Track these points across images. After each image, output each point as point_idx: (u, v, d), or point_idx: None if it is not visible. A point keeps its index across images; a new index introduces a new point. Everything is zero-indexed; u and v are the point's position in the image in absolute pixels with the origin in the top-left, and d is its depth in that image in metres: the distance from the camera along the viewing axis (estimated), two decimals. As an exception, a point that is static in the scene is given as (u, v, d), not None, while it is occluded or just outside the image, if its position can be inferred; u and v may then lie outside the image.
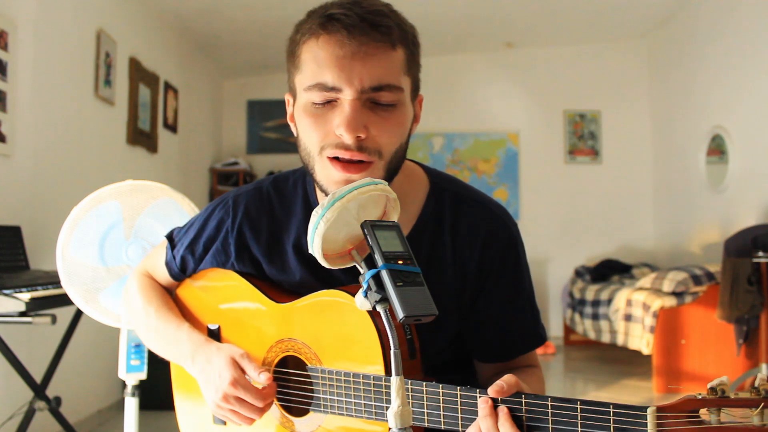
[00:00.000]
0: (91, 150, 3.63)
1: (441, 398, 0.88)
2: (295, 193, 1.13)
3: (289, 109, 1.05)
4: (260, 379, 1.02)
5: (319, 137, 0.96)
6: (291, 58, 1.00)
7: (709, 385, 0.74)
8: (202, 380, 1.07)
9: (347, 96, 0.93)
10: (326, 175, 0.97)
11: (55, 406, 2.56)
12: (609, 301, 4.91)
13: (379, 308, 0.79)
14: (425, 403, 0.89)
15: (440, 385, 0.88)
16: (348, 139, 0.93)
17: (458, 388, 0.88)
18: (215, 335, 1.16)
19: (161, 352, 1.20)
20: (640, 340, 4.37)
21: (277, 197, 1.13)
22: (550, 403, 0.81)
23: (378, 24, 0.93)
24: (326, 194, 0.98)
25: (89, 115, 3.63)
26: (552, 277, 6.13)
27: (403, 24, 0.98)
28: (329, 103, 0.95)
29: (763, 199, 4.36)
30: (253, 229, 1.12)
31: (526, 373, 1.07)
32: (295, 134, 1.04)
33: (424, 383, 0.89)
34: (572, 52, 6.24)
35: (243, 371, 1.03)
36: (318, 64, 0.94)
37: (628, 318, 4.56)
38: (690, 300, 4.26)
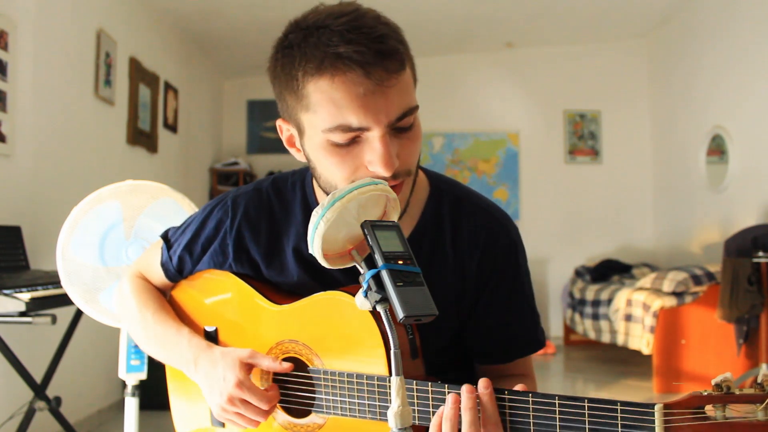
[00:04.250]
0: (91, 150, 3.63)
1: (447, 397, 0.88)
2: (294, 194, 1.12)
3: (285, 135, 1.02)
4: (283, 366, 1.01)
5: (347, 173, 0.93)
6: (291, 92, 0.93)
7: (713, 382, 0.75)
8: (206, 385, 1.06)
9: (376, 133, 0.90)
10: None
11: (55, 406, 2.56)
12: (609, 301, 4.91)
13: (379, 308, 0.79)
14: (430, 402, 0.89)
15: (445, 385, 0.88)
16: (385, 173, 0.91)
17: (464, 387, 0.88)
18: (212, 337, 1.15)
19: (158, 356, 1.18)
20: (640, 340, 4.37)
21: (277, 199, 1.13)
22: (557, 401, 0.82)
23: (388, 52, 0.89)
24: None
25: (89, 115, 3.63)
26: (552, 277, 6.13)
27: (398, 33, 0.93)
28: (353, 140, 0.92)
29: (763, 199, 4.36)
30: (252, 230, 1.11)
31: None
32: (304, 160, 1.02)
33: (429, 382, 0.89)
34: (572, 52, 6.24)
35: (249, 372, 1.03)
36: (336, 105, 0.89)
37: (628, 318, 4.57)
38: (690, 300, 4.26)
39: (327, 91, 0.89)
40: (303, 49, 0.90)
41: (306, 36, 0.90)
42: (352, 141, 0.91)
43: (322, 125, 0.91)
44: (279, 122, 1.02)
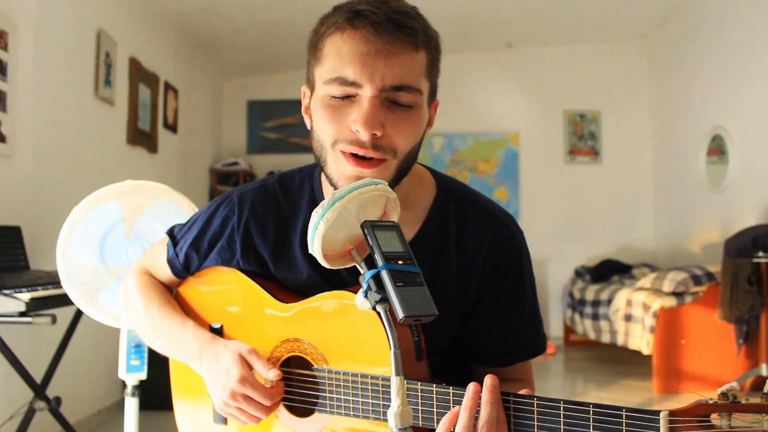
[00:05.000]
0: (91, 150, 3.63)
1: (451, 399, 0.88)
2: (302, 190, 1.12)
3: (304, 102, 1.05)
4: (269, 375, 1.01)
5: (333, 130, 0.96)
6: (313, 51, 1.00)
7: (719, 390, 0.74)
8: (209, 378, 1.06)
9: (367, 93, 0.93)
10: (338, 168, 0.97)
11: (55, 406, 2.56)
12: (609, 301, 4.91)
13: (379, 308, 0.79)
14: (435, 404, 0.89)
15: (450, 387, 0.88)
16: (364, 136, 0.93)
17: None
18: (218, 334, 1.15)
19: (164, 350, 1.19)
20: (640, 340, 4.37)
21: (283, 195, 1.13)
22: (562, 406, 0.81)
23: (404, 24, 0.94)
24: (336, 189, 0.98)
25: (89, 115, 3.63)
26: (552, 277, 6.13)
27: (428, 28, 0.99)
28: (348, 98, 0.95)
29: (763, 199, 4.36)
30: (260, 227, 1.11)
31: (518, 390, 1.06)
32: (309, 127, 1.04)
33: (434, 385, 0.89)
34: (572, 52, 6.24)
35: (251, 367, 1.03)
36: (341, 58, 0.94)
37: (628, 318, 4.57)
38: (690, 300, 4.26)
39: (337, 44, 0.95)
40: (333, 14, 0.98)
41: (339, 6, 0.98)
42: (346, 97, 0.95)
43: (325, 76, 0.96)
44: (303, 88, 1.06)
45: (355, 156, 0.95)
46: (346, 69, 0.93)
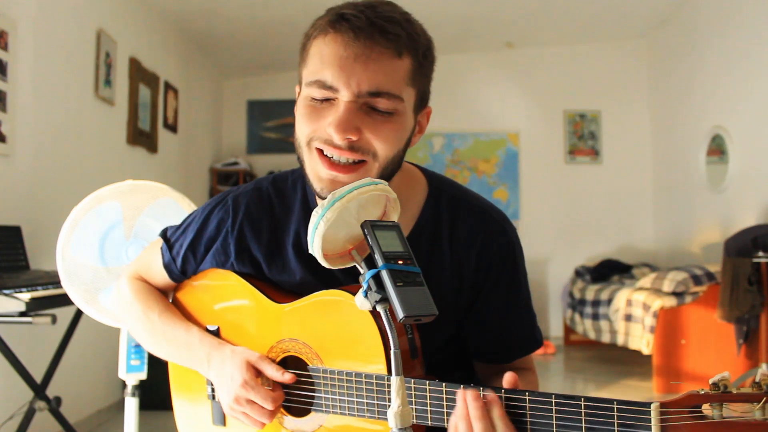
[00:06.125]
0: (91, 150, 3.63)
1: (444, 396, 0.88)
2: (294, 192, 1.12)
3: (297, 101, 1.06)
4: (284, 378, 1.01)
5: (310, 129, 0.96)
6: (301, 52, 1.00)
7: (710, 381, 0.75)
8: (217, 383, 1.07)
9: (344, 97, 0.93)
10: (313, 169, 0.97)
11: (55, 406, 2.56)
12: (609, 301, 4.91)
13: (379, 308, 0.79)
14: (428, 401, 0.89)
15: (443, 384, 0.88)
16: (338, 140, 0.93)
17: (461, 386, 0.87)
18: (214, 336, 1.15)
19: (168, 357, 1.18)
20: (640, 340, 4.37)
21: (277, 197, 1.13)
22: (554, 400, 0.81)
23: (386, 30, 0.92)
24: (313, 189, 0.99)
25: (89, 115, 3.63)
26: (552, 277, 6.12)
27: (416, 35, 0.97)
28: (327, 101, 0.95)
29: (763, 199, 4.36)
30: (254, 229, 1.11)
31: (521, 377, 1.07)
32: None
33: (427, 381, 0.89)
34: (572, 52, 6.24)
35: (257, 374, 1.03)
36: (321, 61, 0.94)
37: (628, 318, 4.57)
38: (690, 300, 4.26)
39: (320, 47, 0.95)
40: (322, 16, 0.98)
41: (331, 8, 0.97)
42: (326, 101, 0.95)
43: (307, 78, 0.96)
44: (296, 87, 1.06)
45: (329, 159, 0.95)
46: (326, 72, 0.93)
